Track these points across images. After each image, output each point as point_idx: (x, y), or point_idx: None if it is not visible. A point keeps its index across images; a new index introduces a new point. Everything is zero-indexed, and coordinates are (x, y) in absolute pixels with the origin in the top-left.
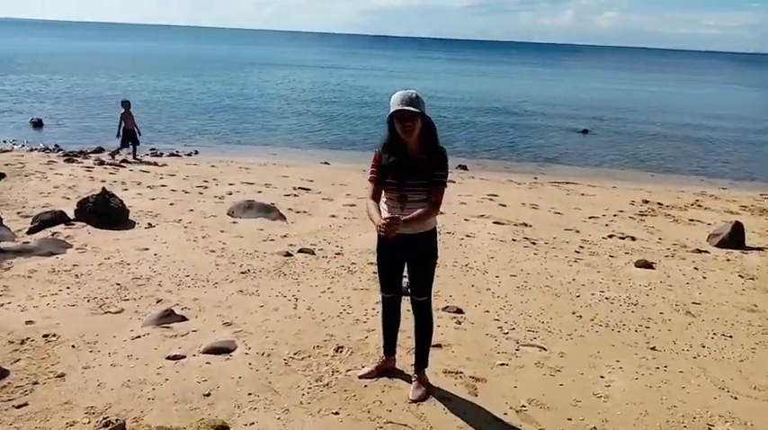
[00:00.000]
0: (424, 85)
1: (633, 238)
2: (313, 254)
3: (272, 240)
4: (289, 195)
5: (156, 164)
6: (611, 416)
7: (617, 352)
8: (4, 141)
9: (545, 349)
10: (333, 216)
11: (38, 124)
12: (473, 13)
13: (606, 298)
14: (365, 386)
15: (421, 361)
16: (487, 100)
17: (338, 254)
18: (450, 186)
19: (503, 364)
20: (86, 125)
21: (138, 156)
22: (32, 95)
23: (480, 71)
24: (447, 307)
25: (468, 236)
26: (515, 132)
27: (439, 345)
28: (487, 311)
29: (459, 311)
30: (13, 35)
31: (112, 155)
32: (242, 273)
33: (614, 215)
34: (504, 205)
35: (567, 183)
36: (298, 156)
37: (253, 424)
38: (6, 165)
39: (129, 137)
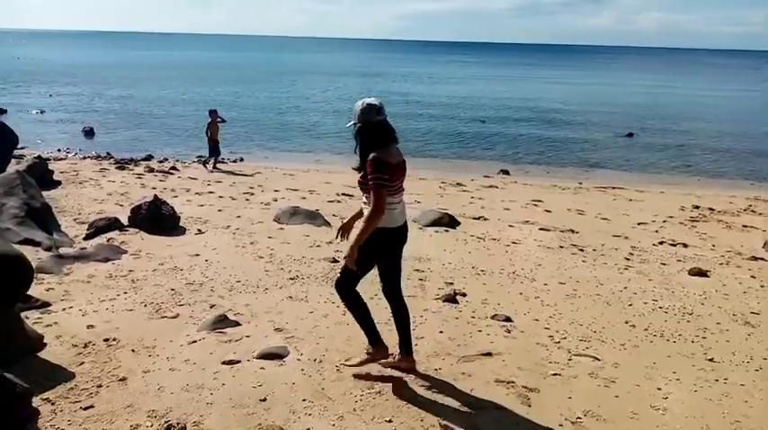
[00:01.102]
0: (464, 89)
1: (685, 245)
2: None
3: (318, 246)
4: (332, 201)
5: (238, 172)
6: None
7: (673, 363)
8: (59, 150)
9: (598, 359)
10: None
11: (89, 133)
12: (512, 15)
13: (660, 307)
14: (418, 394)
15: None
16: (528, 104)
17: None
18: (493, 191)
19: (555, 374)
20: (135, 133)
21: (218, 166)
22: (84, 105)
23: (520, 75)
24: (495, 315)
25: (513, 242)
26: (557, 136)
27: (489, 354)
28: (537, 320)
29: (508, 319)
30: (59, 47)
31: (204, 163)
32: (290, 279)
33: (664, 221)
34: (548, 211)
35: (614, 188)
36: (340, 162)
37: None
38: (62, 172)
39: (212, 147)
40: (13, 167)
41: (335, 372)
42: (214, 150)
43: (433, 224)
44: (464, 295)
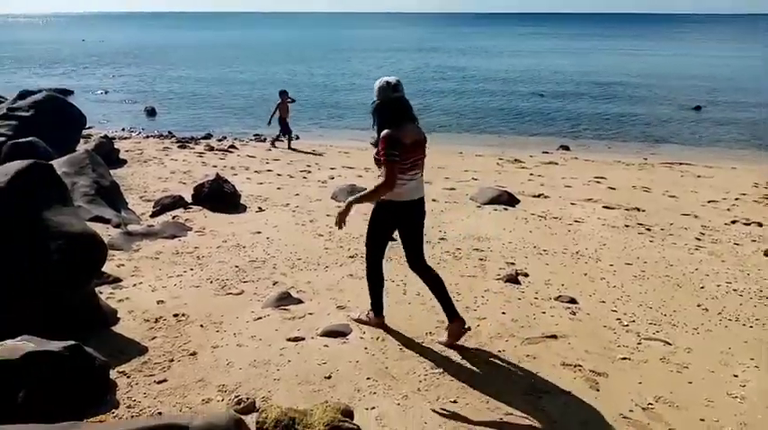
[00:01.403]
0: (523, 63)
1: (760, 224)
2: None
3: None
4: None
5: (313, 152)
6: (751, 420)
7: (751, 349)
8: (123, 129)
9: (670, 343)
10: (434, 200)
11: (151, 112)
12: None
13: (734, 289)
14: (482, 375)
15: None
16: (590, 77)
17: (442, 239)
18: (553, 168)
19: (624, 359)
20: (194, 112)
21: (292, 146)
22: (145, 85)
23: (580, 46)
24: (560, 296)
25: (576, 221)
26: (620, 110)
27: (554, 336)
28: (603, 302)
29: (573, 301)
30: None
31: (272, 142)
32: (350, 257)
33: (736, 199)
34: (612, 188)
35: (681, 163)
36: None
37: (374, 408)
38: (127, 151)
39: (283, 126)
40: (81, 147)
41: (398, 351)
42: (285, 128)
43: (492, 202)
44: (526, 275)
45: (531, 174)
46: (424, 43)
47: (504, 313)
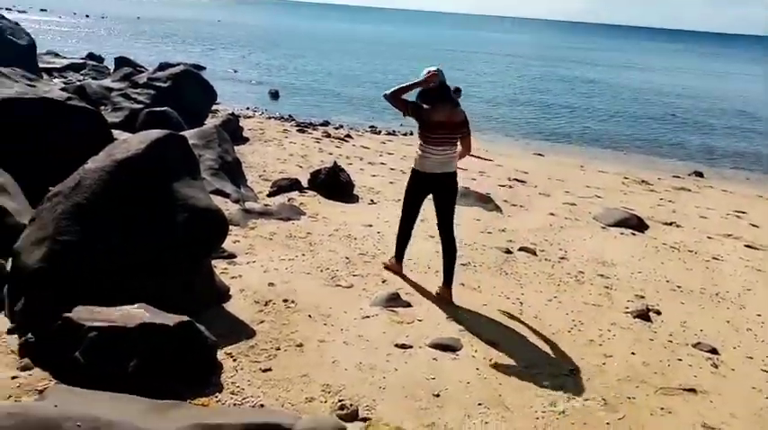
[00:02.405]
0: (655, 79)
1: None
2: (535, 254)
3: (490, 233)
4: (503, 186)
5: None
6: None
7: None
8: (247, 108)
9: None
10: (552, 214)
11: (275, 95)
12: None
13: None
14: (608, 424)
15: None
16: (729, 101)
17: (563, 258)
18: (684, 195)
19: None
20: (315, 99)
21: None
22: (273, 69)
23: (720, 68)
24: (699, 343)
25: (715, 258)
26: (762, 140)
27: (693, 390)
28: (751, 358)
29: (714, 351)
30: (264, 13)
31: None
32: (462, 264)
33: None
34: (755, 225)
35: None
36: (510, 145)
37: None
38: (250, 129)
39: None
40: (210, 121)
41: (513, 378)
42: None
43: (618, 225)
44: (658, 313)
45: (661, 199)
46: (552, 51)
47: (633, 354)
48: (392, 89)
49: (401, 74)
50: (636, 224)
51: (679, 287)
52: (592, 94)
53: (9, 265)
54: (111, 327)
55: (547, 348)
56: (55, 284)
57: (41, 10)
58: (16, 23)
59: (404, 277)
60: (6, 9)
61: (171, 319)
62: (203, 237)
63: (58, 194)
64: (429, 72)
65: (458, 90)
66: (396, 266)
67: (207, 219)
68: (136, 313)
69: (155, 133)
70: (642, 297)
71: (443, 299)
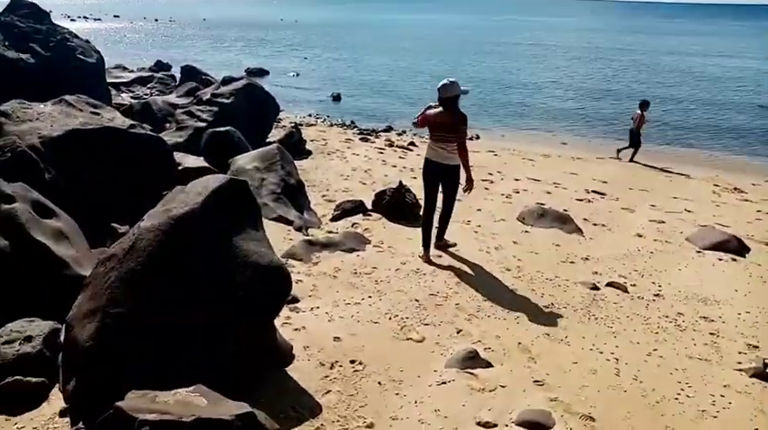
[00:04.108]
0: (738, 65)
1: None
2: (626, 291)
3: (572, 262)
4: (581, 200)
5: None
6: None
7: None
8: (309, 115)
9: None
10: (639, 235)
11: (337, 98)
12: None
13: None
14: None
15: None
16: None
17: (657, 295)
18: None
19: None
20: (378, 101)
21: (635, 159)
22: (335, 71)
23: None
24: None
25: None
26: None
27: None
28: None
29: None
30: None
31: (618, 151)
32: (544, 306)
33: None
34: None
35: None
36: (583, 146)
37: None
38: (312, 140)
39: (633, 138)
40: (274, 131)
41: None
42: (637, 141)
43: (715, 248)
44: None
45: (759, 211)
46: (622, 37)
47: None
48: (413, 122)
49: (464, 72)
50: (735, 247)
51: None
52: (668, 85)
53: (62, 334)
54: (165, 421)
55: (652, 421)
56: (106, 364)
57: (115, 16)
58: (87, 41)
59: (457, 305)
60: (84, 18)
61: (229, 409)
62: (266, 299)
63: (111, 258)
64: (428, 106)
65: (457, 96)
66: (424, 256)
67: (271, 278)
68: (192, 400)
69: (213, 181)
70: (756, 347)
71: (423, 258)
